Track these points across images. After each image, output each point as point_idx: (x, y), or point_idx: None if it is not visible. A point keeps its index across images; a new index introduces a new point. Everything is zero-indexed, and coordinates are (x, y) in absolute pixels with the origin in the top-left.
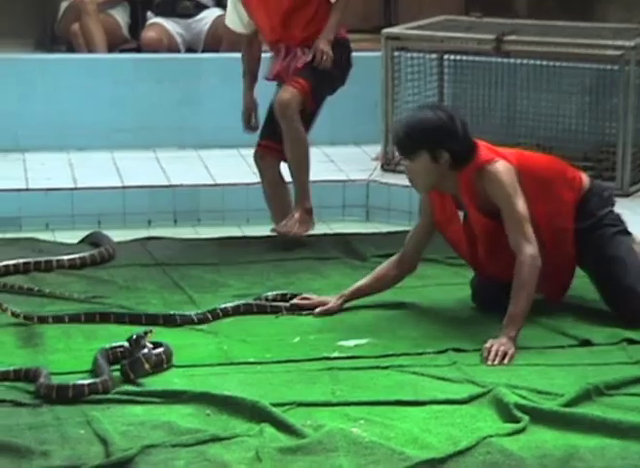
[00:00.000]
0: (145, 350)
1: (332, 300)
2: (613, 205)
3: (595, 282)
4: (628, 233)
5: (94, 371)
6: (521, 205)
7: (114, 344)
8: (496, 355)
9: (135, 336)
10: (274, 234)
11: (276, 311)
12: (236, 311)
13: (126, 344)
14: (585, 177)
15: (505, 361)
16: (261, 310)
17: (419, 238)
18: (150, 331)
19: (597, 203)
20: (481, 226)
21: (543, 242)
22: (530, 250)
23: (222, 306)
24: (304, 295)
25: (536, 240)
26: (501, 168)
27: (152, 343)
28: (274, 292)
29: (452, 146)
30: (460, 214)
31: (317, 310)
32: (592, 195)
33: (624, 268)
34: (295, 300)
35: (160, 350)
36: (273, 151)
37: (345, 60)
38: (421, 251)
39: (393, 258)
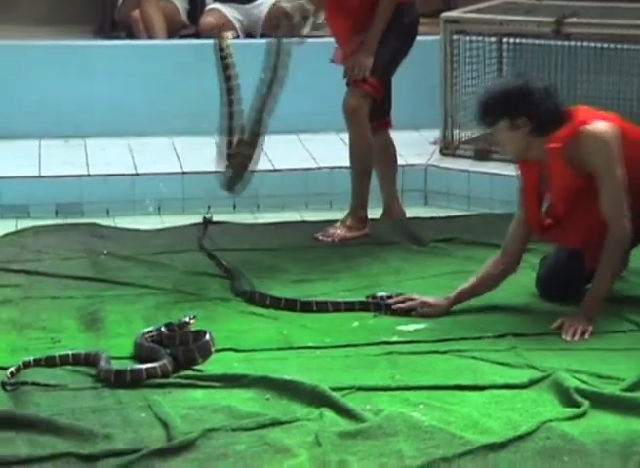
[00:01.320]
0: (207, 336)
1: (435, 302)
2: None
3: None
4: None
5: (140, 356)
6: (620, 173)
7: (151, 329)
8: (575, 333)
9: (180, 322)
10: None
11: (377, 309)
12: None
13: (163, 329)
14: None
15: (586, 337)
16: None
17: (519, 230)
18: (194, 317)
19: None
20: (567, 181)
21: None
22: (624, 225)
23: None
24: (408, 296)
25: (629, 215)
26: (603, 128)
27: (195, 331)
28: (386, 293)
29: (529, 111)
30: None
31: (418, 312)
32: None
33: None
34: (396, 299)
35: (207, 338)
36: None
37: (409, 27)
38: (524, 242)
39: (495, 257)
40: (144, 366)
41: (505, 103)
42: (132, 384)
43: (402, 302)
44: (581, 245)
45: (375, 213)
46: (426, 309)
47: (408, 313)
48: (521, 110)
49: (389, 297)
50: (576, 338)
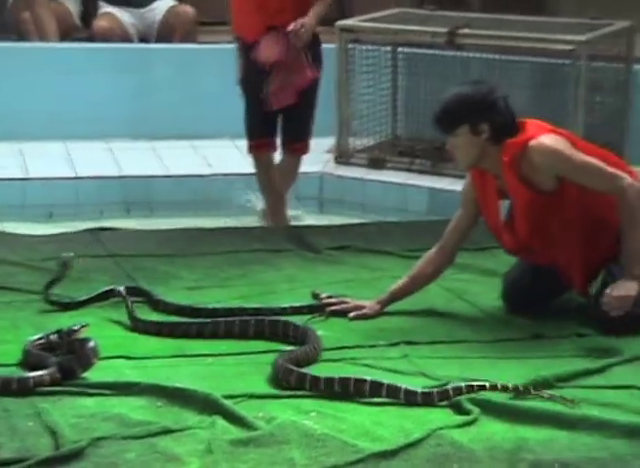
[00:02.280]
0: (92, 343)
1: (368, 305)
2: None
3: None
4: None
5: (28, 364)
6: (584, 159)
7: (39, 336)
8: (621, 303)
9: (69, 329)
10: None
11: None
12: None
13: (53, 337)
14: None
15: (625, 304)
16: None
17: (460, 229)
18: (85, 326)
19: None
20: (524, 200)
21: (580, 230)
22: (625, 183)
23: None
24: (342, 299)
25: (622, 173)
26: (550, 140)
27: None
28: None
29: (492, 118)
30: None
31: (351, 314)
32: None
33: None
34: (328, 300)
35: (92, 344)
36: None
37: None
38: (462, 242)
39: (429, 254)
40: (32, 374)
41: (470, 108)
42: (19, 393)
43: (337, 304)
44: (550, 264)
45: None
46: (362, 311)
47: (343, 315)
48: (484, 116)
49: (329, 297)
50: (621, 312)
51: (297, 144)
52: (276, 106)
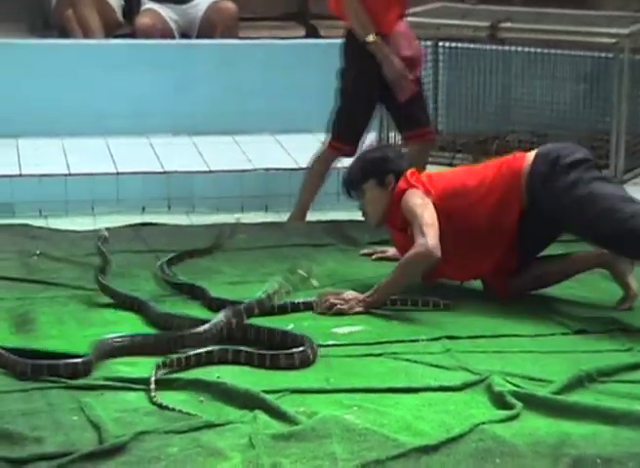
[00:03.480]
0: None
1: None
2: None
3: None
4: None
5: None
6: (425, 213)
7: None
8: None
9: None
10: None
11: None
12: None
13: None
14: (527, 157)
15: (327, 312)
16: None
17: None
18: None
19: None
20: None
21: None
22: (421, 243)
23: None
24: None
25: (435, 238)
26: (409, 195)
27: None
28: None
29: (393, 169)
30: None
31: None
32: (535, 171)
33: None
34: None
35: None
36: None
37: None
38: None
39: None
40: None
41: (372, 165)
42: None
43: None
44: (460, 278)
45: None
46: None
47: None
48: (387, 168)
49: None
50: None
51: (422, 129)
52: (404, 98)
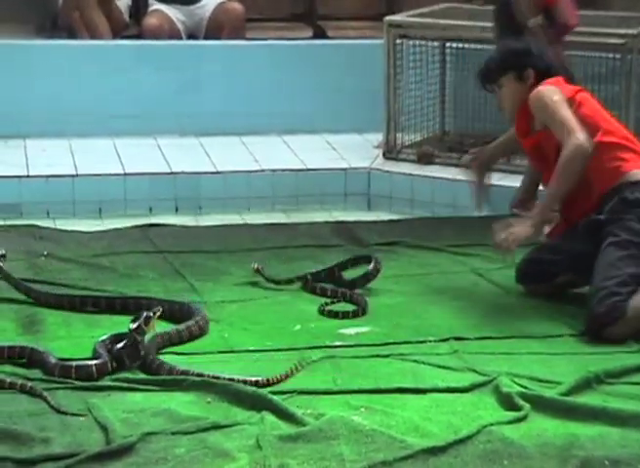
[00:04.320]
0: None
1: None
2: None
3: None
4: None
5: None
6: (563, 111)
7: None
8: (505, 239)
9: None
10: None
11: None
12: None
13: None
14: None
15: (511, 246)
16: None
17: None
18: (158, 311)
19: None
20: (531, 146)
21: None
22: (573, 139)
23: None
24: None
25: (582, 129)
26: (544, 90)
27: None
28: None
29: (535, 63)
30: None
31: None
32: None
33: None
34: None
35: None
36: None
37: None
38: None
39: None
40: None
41: (513, 56)
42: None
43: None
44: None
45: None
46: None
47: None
48: (528, 61)
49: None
50: (502, 245)
51: None
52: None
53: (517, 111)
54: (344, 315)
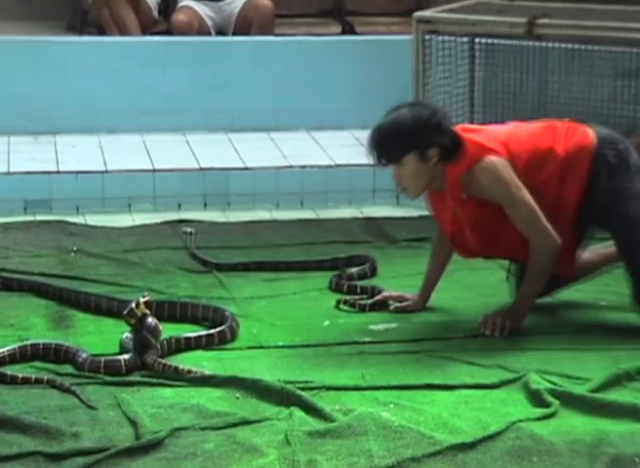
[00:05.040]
0: (149, 319)
1: (411, 298)
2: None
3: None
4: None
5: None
6: (521, 194)
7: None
8: (494, 326)
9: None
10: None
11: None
12: None
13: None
14: (590, 134)
15: (504, 333)
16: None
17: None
18: (147, 296)
19: (608, 169)
20: (470, 218)
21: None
22: (546, 240)
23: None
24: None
25: (550, 226)
26: (494, 163)
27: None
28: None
29: (439, 141)
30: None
31: (392, 307)
32: (600, 158)
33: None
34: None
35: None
36: None
37: None
38: None
39: (437, 239)
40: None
41: (413, 135)
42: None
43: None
44: (511, 256)
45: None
46: (404, 304)
47: (383, 308)
48: (430, 140)
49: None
50: (496, 333)
51: None
52: None
53: (449, 186)
54: (362, 308)
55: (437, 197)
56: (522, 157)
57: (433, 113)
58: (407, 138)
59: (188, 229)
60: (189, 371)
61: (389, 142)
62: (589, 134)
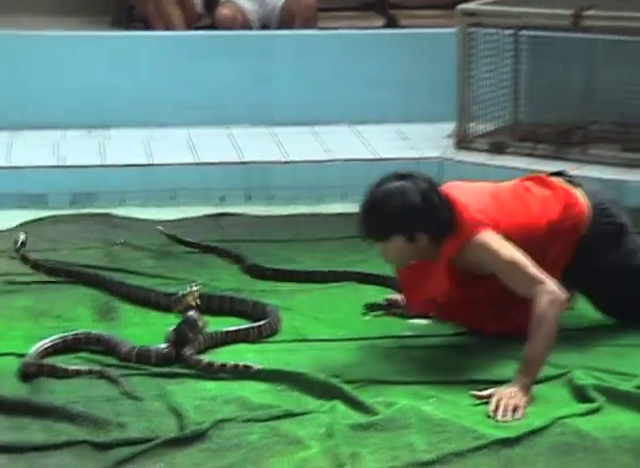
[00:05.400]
0: (191, 313)
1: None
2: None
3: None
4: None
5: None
6: (512, 257)
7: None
8: (506, 410)
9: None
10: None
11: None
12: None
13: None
14: (581, 204)
15: (518, 415)
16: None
17: None
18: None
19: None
20: (456, 281)
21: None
22: (546, 295)
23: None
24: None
25: (548, 275)
26: (487, 238)
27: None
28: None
29: (429, 227)
30: None
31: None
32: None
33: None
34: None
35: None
36: None
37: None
38: None
39: None
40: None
41: (402, 221)
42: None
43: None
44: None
45: None
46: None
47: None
48: (418, 226)
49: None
50: (507, 417)
51: None
52: None
53: (441, 262)
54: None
55: (422, 265)
56: (511, 232)
57: (424, 197)
58: (394, 223)
59: (21, 236)
60: (223, 366)
61: (375, 224)
62: (579, 200)
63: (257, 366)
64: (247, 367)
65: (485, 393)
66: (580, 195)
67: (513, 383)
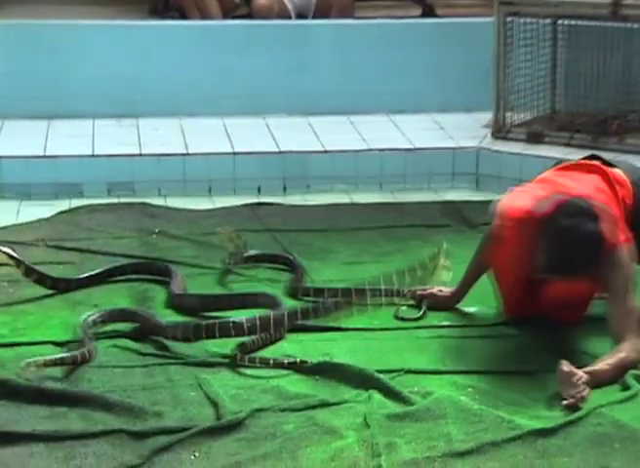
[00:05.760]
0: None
1: (445, 294)
2: None
3: None
4: None
5: None
6: (632, 298)
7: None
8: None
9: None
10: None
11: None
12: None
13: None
14: (626, 182)
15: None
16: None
17: None
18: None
19: None
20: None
21: None
22: (635, 341)
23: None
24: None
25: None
26: (626, 254)
27: None
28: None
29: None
30: None
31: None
32: None
33: None
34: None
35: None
36: None
37: None
38: None
39: (486, 238)
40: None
41: (597, 253)
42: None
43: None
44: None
45: None
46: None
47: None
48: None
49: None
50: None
51: None
52: None
53: None
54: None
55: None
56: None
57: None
58: (595, 258)
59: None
60: (281, 363)
61: (574, 263)
62: (625, 183)
63: (309, 361)
64: (303, 362)
65: (578, 371)
66: (622, 173)
67: (592, 371)
